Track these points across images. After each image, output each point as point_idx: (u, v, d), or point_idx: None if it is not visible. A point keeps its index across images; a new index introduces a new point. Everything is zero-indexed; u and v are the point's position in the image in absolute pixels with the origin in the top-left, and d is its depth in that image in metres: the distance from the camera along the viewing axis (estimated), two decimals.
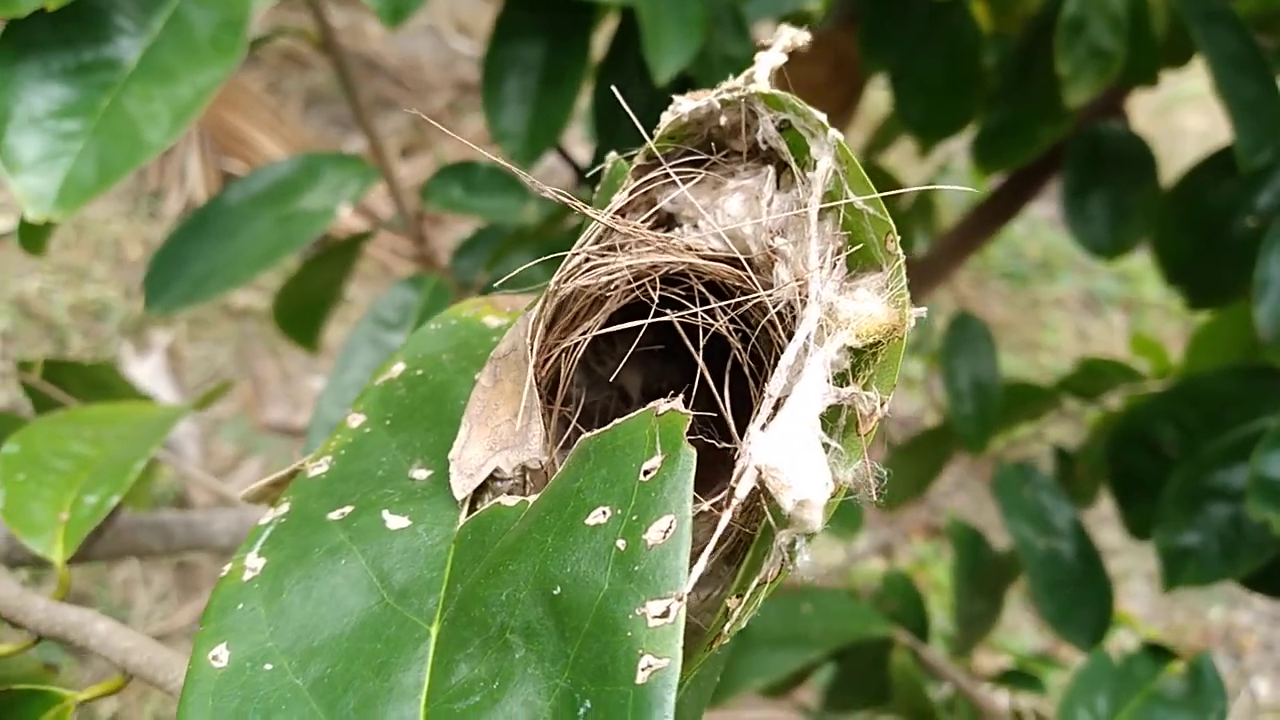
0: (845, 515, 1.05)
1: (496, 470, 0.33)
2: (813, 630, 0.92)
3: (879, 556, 2.38)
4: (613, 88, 0.63)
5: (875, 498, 0.30)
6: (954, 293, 3.04)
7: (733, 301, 0.33)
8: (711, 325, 0.33)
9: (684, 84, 0.95)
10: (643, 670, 0.24)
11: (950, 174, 1.49)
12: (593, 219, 0.35)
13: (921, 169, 1.27)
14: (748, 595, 0.29)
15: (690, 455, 0.27)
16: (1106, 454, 0.98)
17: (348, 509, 0.33)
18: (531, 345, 0.34)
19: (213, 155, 2.79)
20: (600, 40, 0.99)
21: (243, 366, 2.63)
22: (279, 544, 0.32)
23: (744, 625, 0.29)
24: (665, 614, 0.24)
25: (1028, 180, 1.05)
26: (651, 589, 0.25)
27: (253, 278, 0.81)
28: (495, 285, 0.44)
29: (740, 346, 0.33)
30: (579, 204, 0.35)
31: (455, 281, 1.00)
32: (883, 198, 0.32)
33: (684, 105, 0.37)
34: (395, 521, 0.32)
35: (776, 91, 0.35)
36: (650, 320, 0.34)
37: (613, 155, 0.40)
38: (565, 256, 0.35)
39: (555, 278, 0.35)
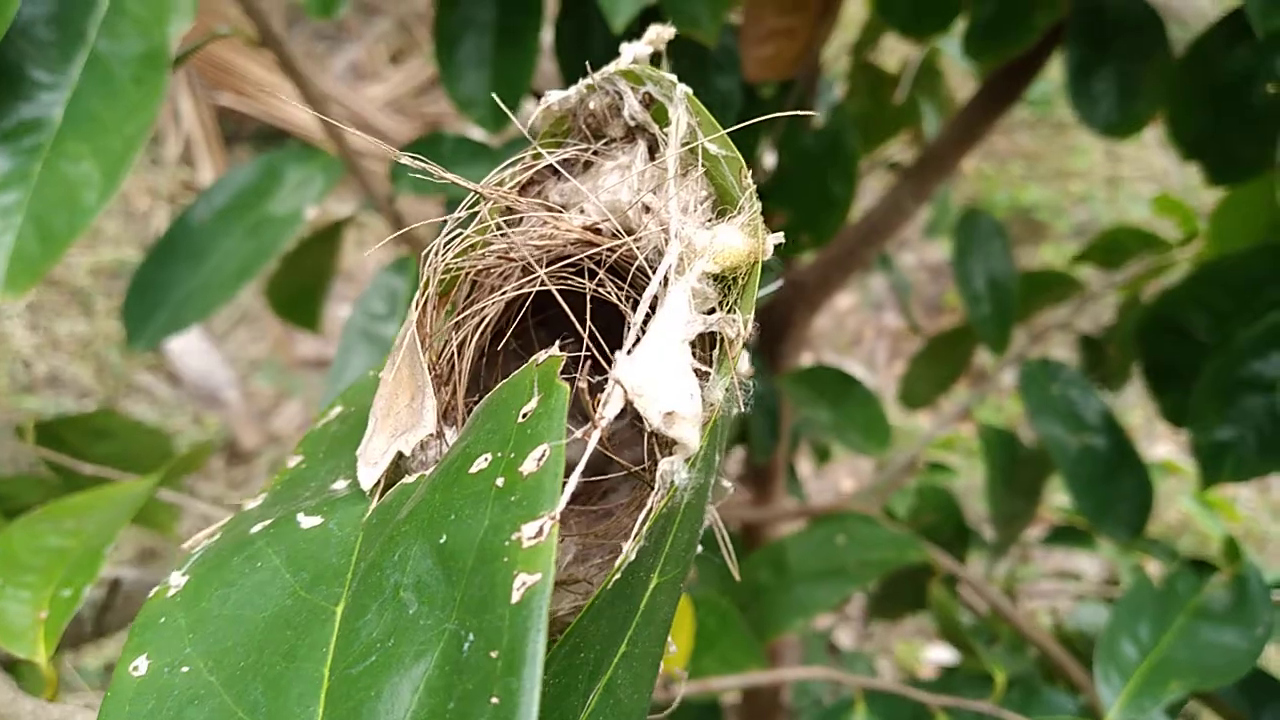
0: (873, 431, 1.03)
1: (401, 456, 0.34)
2: (849, 563, 0.91)
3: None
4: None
5: (744, 407, 0.32)
6: None
7: (601, 249, 0.34)
8: (590, 286, 0.34)
9: (648, 23, 0.89)
10: (517, 590, 0.24)
11: (951, 34, 1.41)
12: (470, 191, 0.36)
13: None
14: (635, 529, 0.29)
15: (563, 390, 0.28)
16: (1135, 343, 0.94)
17: (268, 522, 0.34)
18: (414, 320, 0.35)
19: (203, 91, 2.73)
20: None
21: (268, 304, 2.63)
22: (202, 562, 0.33)
23: (632, 558, 0.29)
24: (539, 533, 0.25)
25: (1027, 61, 0.98)
26: (527, 513, 0.25)
27: (232, 296, 0.79)
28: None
29: (628, 308, 0.34)
30: (462, 180, 0.35)
31: None
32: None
33: (553, 97, 0.39)
34: (308, 522, 0.33)
35: (632, 66, 0.36)
36: (535, 289, 0.35)
37: (504, 166, 0.40)
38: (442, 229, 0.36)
39: (426, 253, 0.35)
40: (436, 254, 0.35)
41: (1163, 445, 2.34)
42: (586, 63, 0.92)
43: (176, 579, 0.32)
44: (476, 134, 0.93)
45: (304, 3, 0.74)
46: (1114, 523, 0.96)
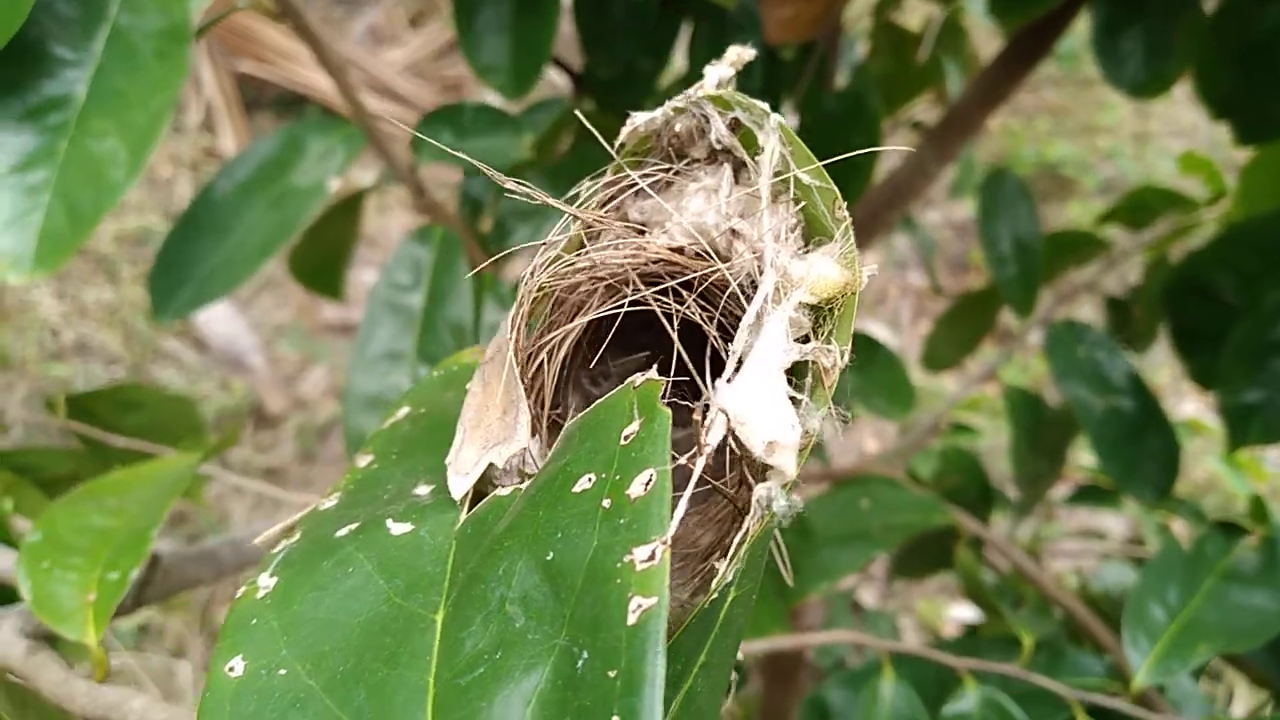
0: (897, 394, 1.03)
1: (491, 466, 0.34)
2: (873, 526, 0.91)
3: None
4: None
5: (840, 435, 0.32)
6: None
7: (696, 276, 0.34)
8: (677, 308, 0.35)
9: None
10: (633, 612, 0.25)
11: None
12: (567, 213, 0.37)
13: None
14: (731, 552, 0.30)
15: (665, 415, 0.28)
16: (1162, 304, 0.94)
17: (354, 525, 0.34)
18: (510, 337, 0.36)
19: (223, 58, 2.73)
20: None
21: None
22: (290, 564, 0.33)
23: (730, 578, 0.30)
24: (651, 557, 0.25)
25: (1054, 19, 0.97)
26: (638, 537, 0.26)
27: (256, 270, 0.79)
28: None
29: (715, 332, 0.35)
30: (556, 202, 0.36)
31: (464, 219, 0.98)
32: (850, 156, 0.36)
33: (639, 118, 0.39)
34: (398, 529, 0.33)
35: (722, 92, 0.36)
36: (623, 309, 0.36)
37: (586, 183, 0.41)
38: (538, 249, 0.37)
39: (525, 274, 0.36)
40: (534, 275, 0.36)
41: (1190, 403, 2.32)
42: (609, 30, 0.92)
43: (265, 580, 0.32)
44: (496, 99, 0.93)
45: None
46: (1140, 483, 0.96)
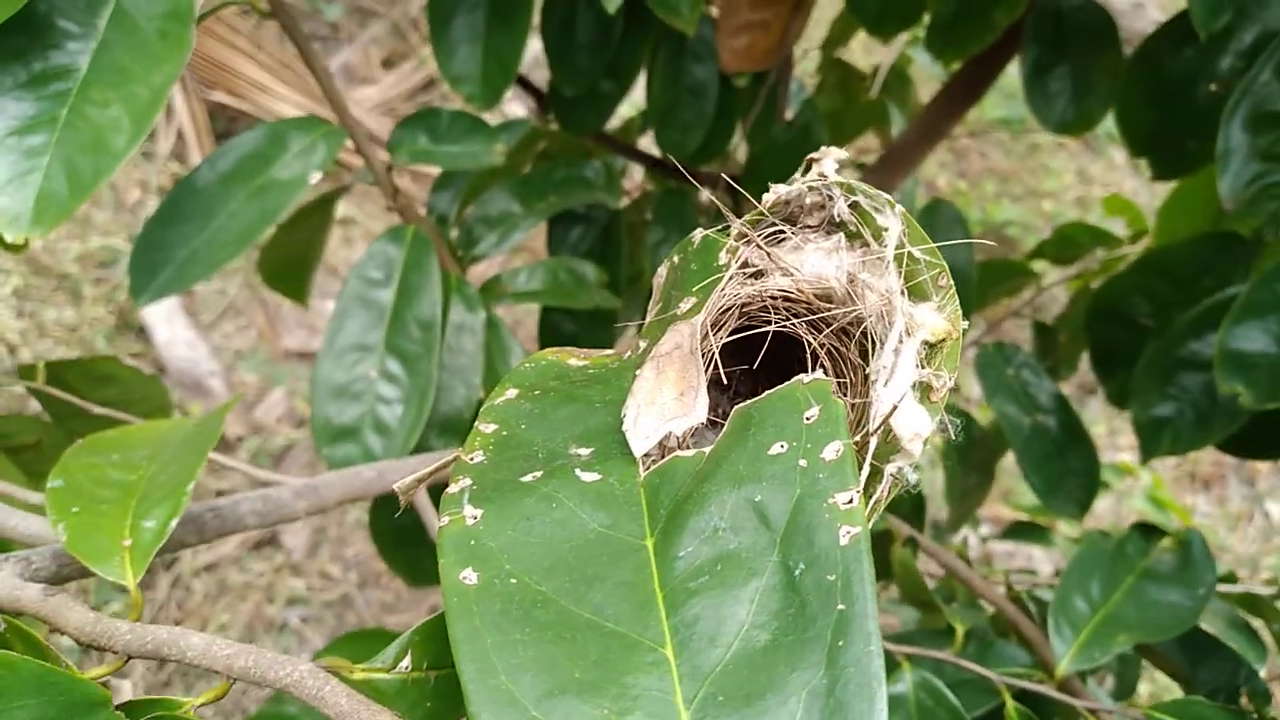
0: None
1: (668, 435, 0.40)
2: None
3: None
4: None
5: (954, 437, 0.41)
6: (953, 145, 3.01)
7: (839, 312, 0.42)
8: (810, 339, 0.43)
9: (632, 6, 0.95)
10: (843, 536, 0.30)
11: (921, 41, 1.47)
12: (747, 240, 0.46)
13: (894, 42, 1.26)
14: (868, 514, 0.36)
15: (841, 405, 0.35)
16: (1084, 328, 1.00)
17: (538, 474, 0.38)
18: (699, 337, 0.43)
19: (196, 87, 2.77)
20: None
21: (255, 296, 2.66)
22: (487, 500, 0.37)
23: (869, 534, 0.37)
24: (850, 501, 0.31)
25: (989, 61, 1.04)
26: (837, 486, 0.32)
27: (234, 257, 0.83)
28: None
29: (827, 361, 0.43)
30: (742, 225, 0.46)
31: (433, 223, 1.02)
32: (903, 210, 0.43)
33: (780, 189, 0.47)
34: (588, 477, 0.38)
35: (851, 181, 0.45)
36: (771, 328, 0.43)
37: (699, 232, 0.49)
38: (720, 277, 0.45)
39: (716, 291, 0.44)
40: (724, 292, 0.44)
41: (1126, 455, 2.40)
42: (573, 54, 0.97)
43: (470, 510, 0.37)
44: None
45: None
46: (1064, 499, 1.01)
